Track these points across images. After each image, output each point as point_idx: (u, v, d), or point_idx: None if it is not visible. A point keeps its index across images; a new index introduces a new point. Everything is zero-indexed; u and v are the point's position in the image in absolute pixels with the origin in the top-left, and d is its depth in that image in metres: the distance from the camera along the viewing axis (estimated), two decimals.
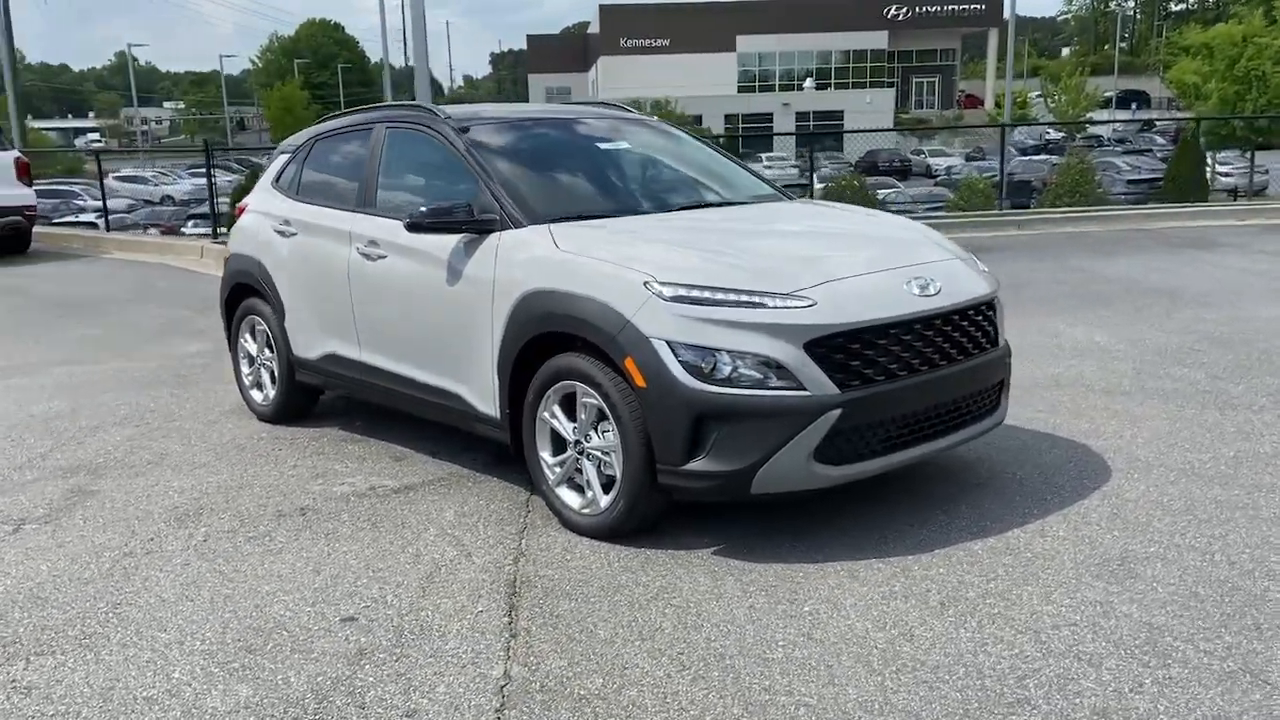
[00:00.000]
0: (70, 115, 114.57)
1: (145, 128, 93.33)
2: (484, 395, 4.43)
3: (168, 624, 3.47)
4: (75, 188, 28.66)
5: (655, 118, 5.81)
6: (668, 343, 3.68)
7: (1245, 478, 4.48)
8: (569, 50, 71.85)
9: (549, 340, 4.08)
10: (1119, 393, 5.93)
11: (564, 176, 4.81)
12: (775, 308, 3.67)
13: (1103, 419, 5.41)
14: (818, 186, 24.30)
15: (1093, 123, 44.09)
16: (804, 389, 3.64)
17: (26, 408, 6.47)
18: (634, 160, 5.09)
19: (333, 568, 3.89)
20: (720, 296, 3.70)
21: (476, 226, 4.38)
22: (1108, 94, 61.07)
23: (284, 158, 5.95)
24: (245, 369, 6.11)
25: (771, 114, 55.48)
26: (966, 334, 4.09)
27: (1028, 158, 34.80)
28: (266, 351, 5.89)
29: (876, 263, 4.05)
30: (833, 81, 63.08)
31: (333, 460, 5.22)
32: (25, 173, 13.44)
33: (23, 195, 13.29)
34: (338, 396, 6.07)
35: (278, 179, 5.90)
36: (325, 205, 5.38)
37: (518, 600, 3.56)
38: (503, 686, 3.01)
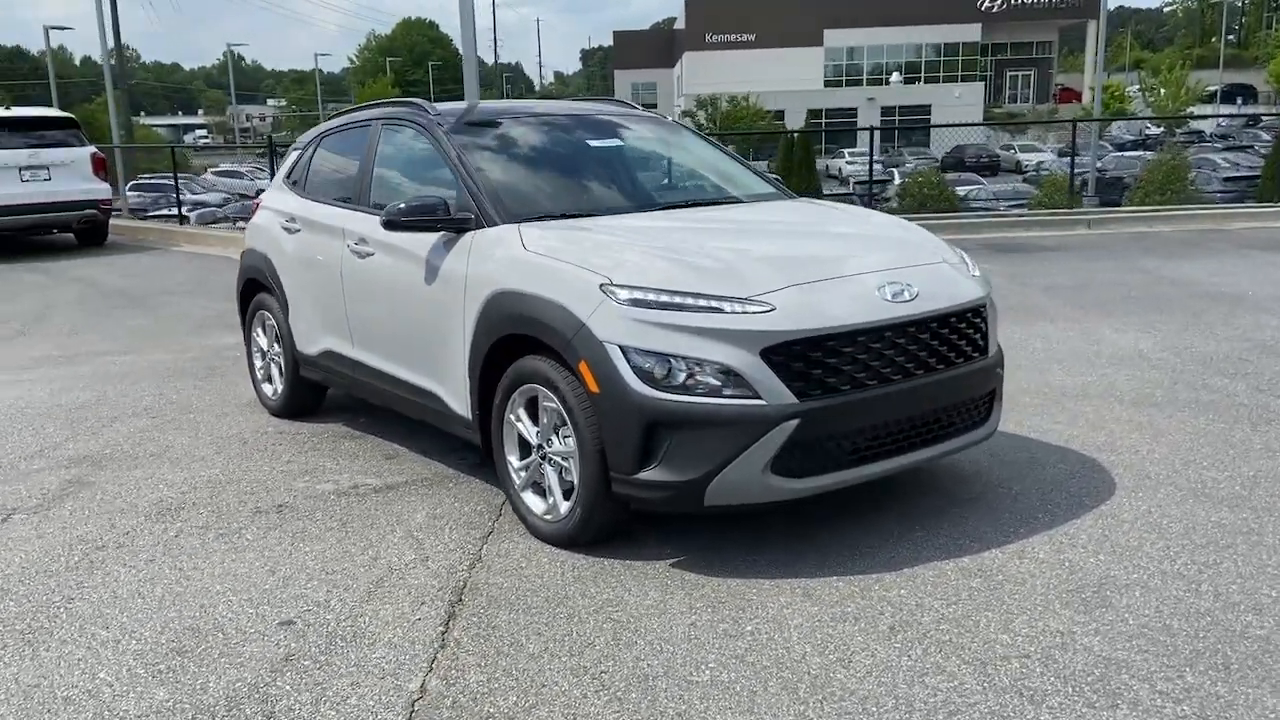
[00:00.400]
0: (180, 112, 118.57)
1: (248, 124, 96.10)
2: (458, 396, 4.37)
3: (111, 622, 3.47)
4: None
5: (667, 116, 5.67)
6: (621, 347, 3.56)
7: (1259, 499, 4.19)
8: (655, 46, 71.73)
9: (515, 342, 3.99)
10: (1148, 404, 5.61)
11: (548, 174, 4.71)
12: (731, 313, 3.52)
13: (1123, 432, 5.12)
14: (897, 182, 23.69)
15: (1191, 117, 42.33)
16: (759, 398, 3.49)
17: (58, 397, 6.62)
18: (626, 158, 4.96)
19: (289, 568, 3.86)
20: (677, 300, 3.56)
21: (451, 225, 4.32)
22: (1212, 88, 58.64)
23: (295, 154, 5.98)
24: (258, 363, 6.16)
25: (856, 108, 54.59)
26: (947, 342, 3.88)
27: (1123, 153, 33.62)
28: (275, 346, 5.92)
29: (849, 266, 3.87)
30: (922, 75, 61.75)
31: (326, 456, 5.22)
32: (101, 168, 13.87)
33: (98, 189, 13.73)
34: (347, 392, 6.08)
35: (289, 175, 5.94)
36: (324, 202, 5.39)
37: (459, 609, 3.48)
38: (415, 700, 2.93)
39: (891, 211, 18.25)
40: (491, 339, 4.06)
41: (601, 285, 3.65)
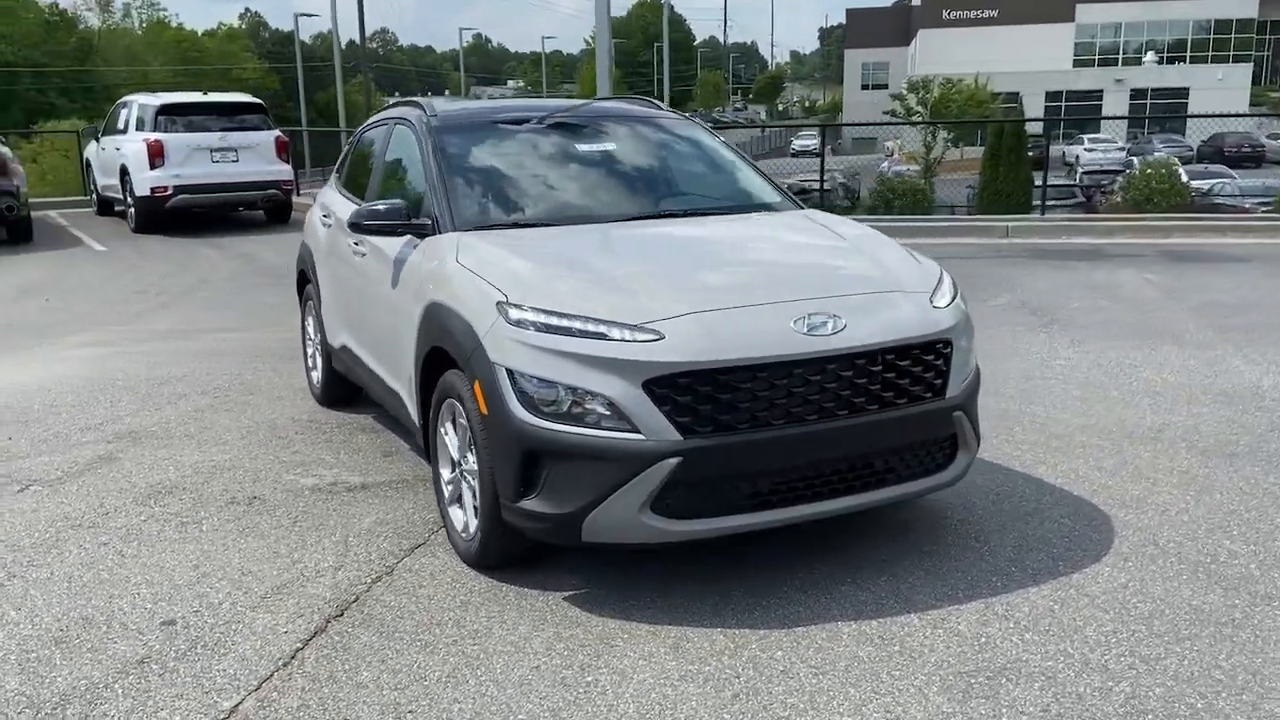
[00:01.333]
0: (429, 93, 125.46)
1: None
2: (413, 402, 4.33)
3: (26, 603, 3.65)
4: None
5: (680, 114, 5.38)
6: (508, 370, 3.42)
7: (1269, 583, 3.57)
8: (890, 24, 69.33)
9: (442, 354, 3.91)
10: (1221, 454, 4.89)
11: (518, 181, 4.55)
12: (616, 340, 3.30)
13: (1166, 486, 4.49)
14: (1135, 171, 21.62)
15: None
16: (638, 432, 3.26)
17: (153, 370, 7.07)
18: (614, 165, 4.72)
19: (212, 564, 3.95)
20: (564, 324, 3.38)
21: (411, 230, 4.29)
22: None
23: (346, 147, 6.11)
24: (309, 350, 6.37)
25: (1101, 91, 50.91)
26: (882, 380, 3.49)
27: None
28: (317, 336, 6.09)
29: (772, 293, 3.54)
30: (1188, 55, 56.74)
31: (332, 450, 5.31)
32: (283, 150, 14.79)
33: (280, 171, 14.65)
34: None
35: (337, 168, 6.08)
36: (347, 198, 5.48)
37: (332, 625, 3.45)
38: None
39: (1114, 207, 16.77)
40: (425, 349, 4.01)
41: (498, 303, 3.52)
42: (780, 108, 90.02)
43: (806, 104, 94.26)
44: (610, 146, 4.77)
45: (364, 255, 4.86)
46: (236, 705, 2.99)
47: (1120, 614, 3.36)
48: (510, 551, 3.70)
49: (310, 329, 6.27)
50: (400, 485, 4.76)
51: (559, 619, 3.45)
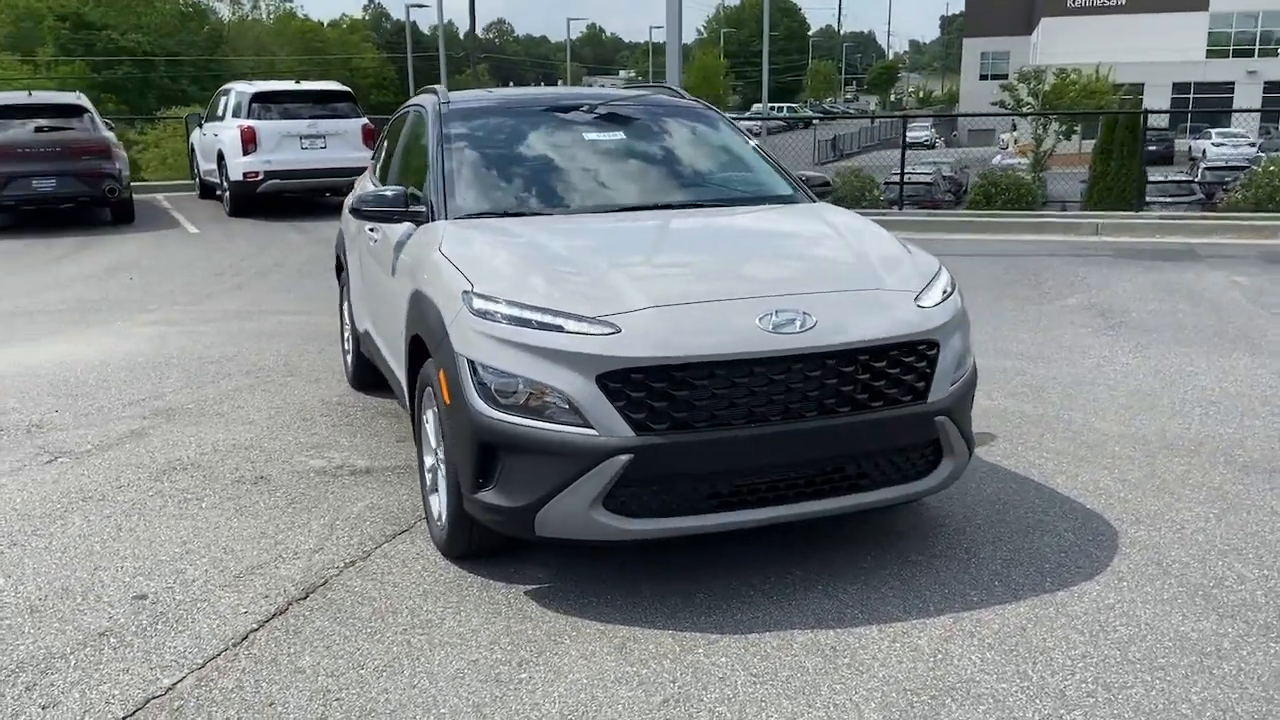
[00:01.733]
0: (542, 82, 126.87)
1: None
2: (406, 389, 4.35)
3: (16, 570, 3.78)
4: None
5: (703, 103, 5.25)
6: (469, 360, 3.39)
7: (1274, 612, 3.30)
8: (1012, 12, 67.06)
9: (422, 343, 3.90)
10: (1260, 470, 4.58)
11: (515, 170, 4.50)
12: (571, 333, 3.24)
13: (1189, 503, 4.22)
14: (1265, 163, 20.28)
15: None
16: (590, 427, 3.19)
17: (208, 350, 7.27)
18: (616, 155, 4.61)
19: (199, 542, 4.02)
20: (525, 315, 3.33)
21: (408, 217, 4.29)
22: None
23: (380, 135, 6.17)
24: (344, 334, 6.46)
25: (1232, 83, 48.40)
26: (855, 381, 3.35)
27: None
28: (349, 321, 6.17)
29: (739, 288, 3.43)
30: None
31: (350, 433, 5.37)
32: (369, 138, 15.05)
33: (365, 157, 14.81)
34: None
35: (374, 155, 6.15)
36: (372, 184, 5.53)
37: (292, 608, 3.48)
38: (150, 699, 2.96)
39: (1232, 205, 15.83)
40: (410, 336, 4.01)
41: (464, 292, 3.49)
42: (893, 98, 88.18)
43: (920, 94, 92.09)
44: (618, 136, 4.69)
45: (376, 241, 4.90)
46: (175, 683, 3.04)
47: (1095, 637, 3.16)
48: (477, 542, 3.67)
49: (345, 313, 6.36)
50: (403, 471, 4.78)
51: (513, 613, 3.41)
